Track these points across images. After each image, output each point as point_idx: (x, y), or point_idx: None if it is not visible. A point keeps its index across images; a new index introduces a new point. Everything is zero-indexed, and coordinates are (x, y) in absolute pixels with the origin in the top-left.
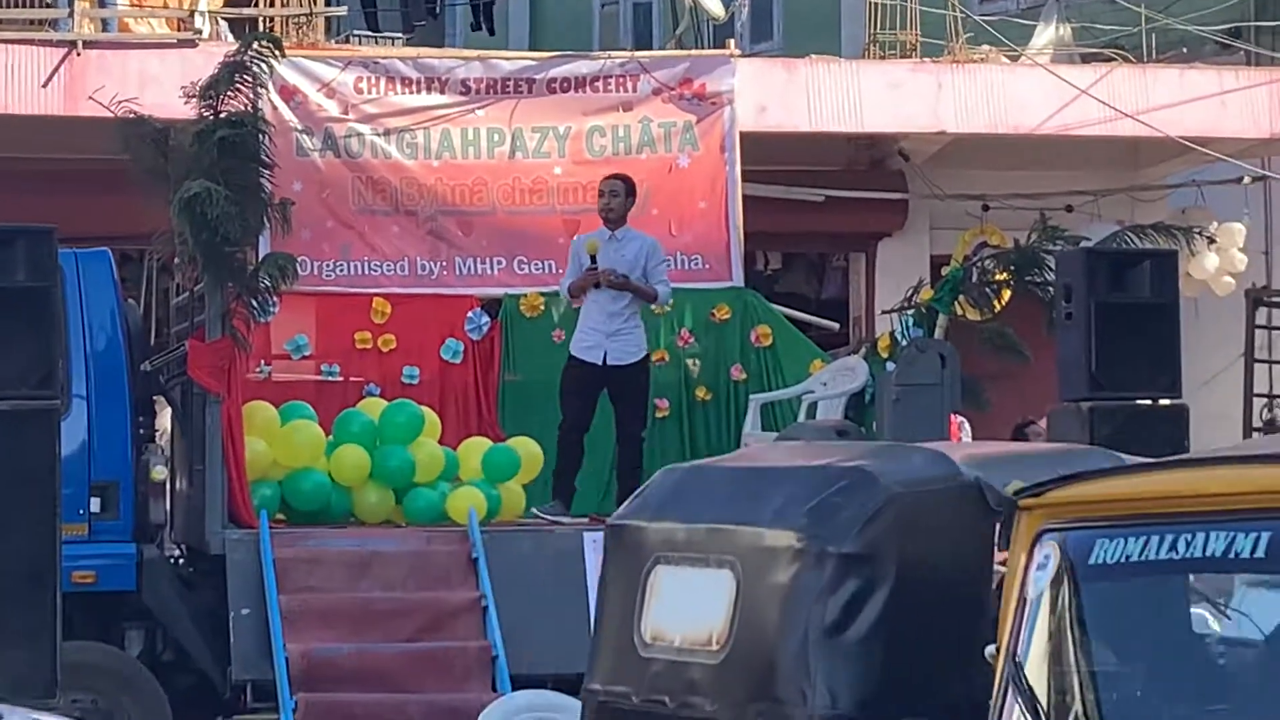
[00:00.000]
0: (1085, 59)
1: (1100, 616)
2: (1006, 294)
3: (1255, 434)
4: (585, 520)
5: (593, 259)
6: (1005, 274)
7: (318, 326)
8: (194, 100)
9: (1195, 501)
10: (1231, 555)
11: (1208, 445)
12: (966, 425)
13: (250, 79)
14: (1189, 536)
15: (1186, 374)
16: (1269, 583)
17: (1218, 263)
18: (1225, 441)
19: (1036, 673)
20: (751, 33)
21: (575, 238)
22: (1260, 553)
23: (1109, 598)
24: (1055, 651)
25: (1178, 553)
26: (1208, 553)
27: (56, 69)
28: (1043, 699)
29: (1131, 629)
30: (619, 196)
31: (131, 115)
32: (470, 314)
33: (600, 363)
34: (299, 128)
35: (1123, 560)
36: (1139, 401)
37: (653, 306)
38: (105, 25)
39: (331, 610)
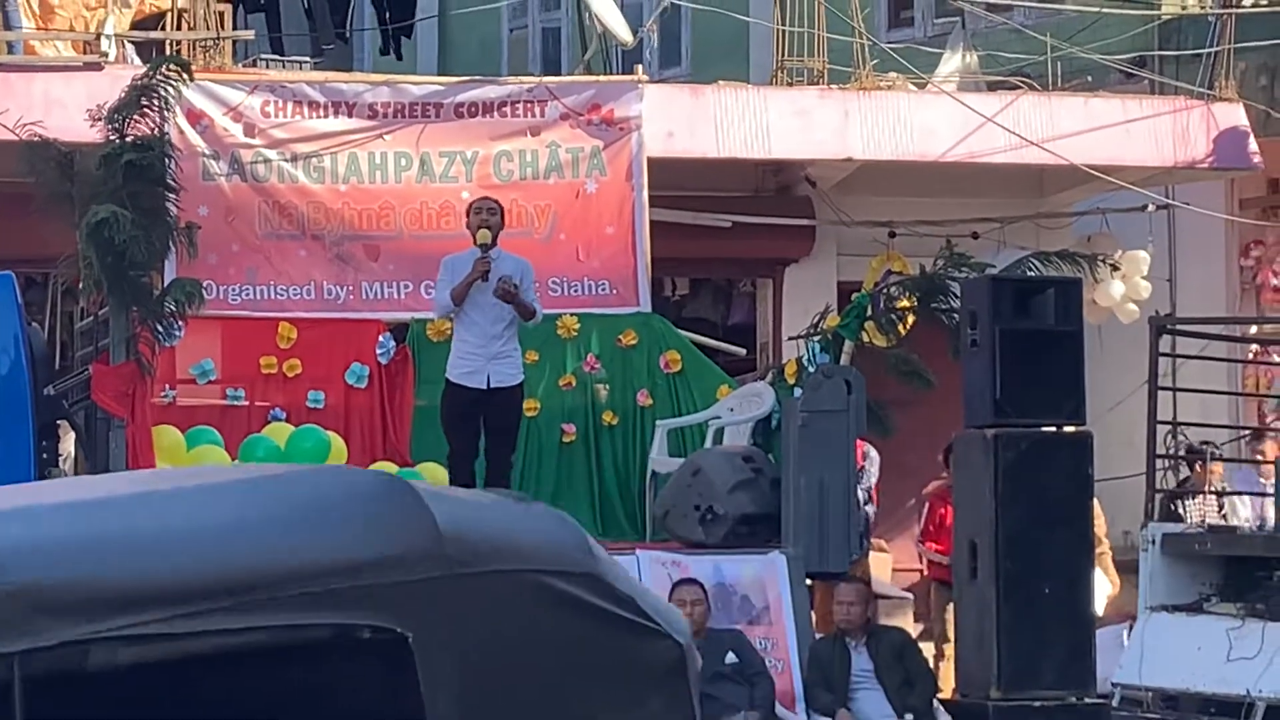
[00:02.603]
0: (991, 87)
1: None
2: (911, 320)
3: (1160, 461)
4: None
5: (483, 247)
6: (911, 300)
7: (223, 351)
8: (100, 124)
9: None
10: None
11: (1113, 472)
12: (873, 451)
13: (157, 103)
14: None
15: (1091, 401)
16: None
17: (1123, 290)
18: (1131, 468)
19: None
20: (660, 58)
21: (445, 257)
22: None
23: None
24: None
25: None
26: None
27: None
28: None
29: None
30: (496, 215)
31: (36, 138)
32: (380, 338)
33: (484, 386)
34: (206, 152)
35: None
36: (1043, 428)
37: (527, 324)
38: (10, 48)
39: None
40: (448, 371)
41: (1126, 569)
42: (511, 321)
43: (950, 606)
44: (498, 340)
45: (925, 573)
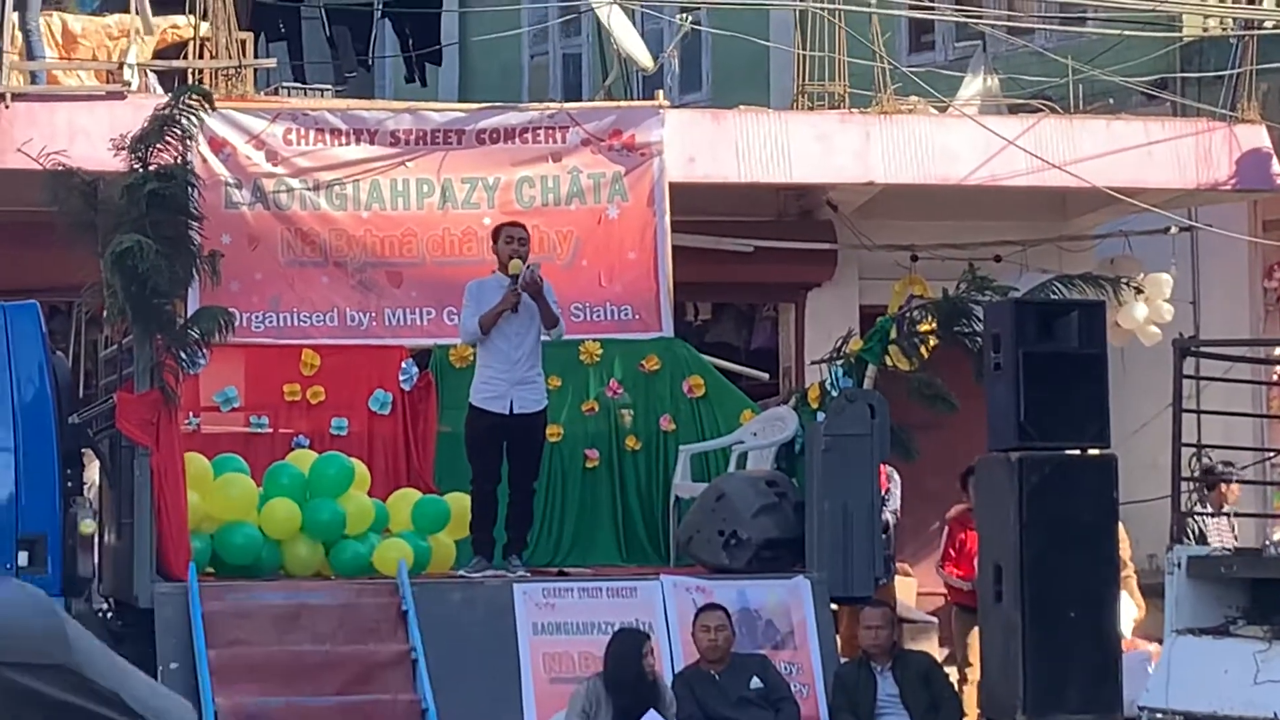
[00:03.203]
0: (1013, 110)
1: None
2: (933, 343)
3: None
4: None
5: (514, 278)
6: (932, 324)
7: (247, 378)
8: (123, 153)
9: None
10: None
11: (1137, 495)
12: (895, 475)
13: (180, 131)
14: None
15: (1115, 424)
16: None
17: (1145, 313)
18: (1155, 491)
19: None
20: (680, 84)
21: (470, 282)
22: None
23: None
24: None
25: None
26: None
27: None
28: None
29: None
30: (525, 244)
31: (60, 168)
32: (403, 364)
33: (507, 411)
34: (229, 180)
35: None
36: (1067, 451)
37: (552, 333)
38: (34, 78)
39: (261, 664)
40: (471, 396)
41: (1152, 592)
42: (535, 347)
43: (972, 631)
44: (521, 365)
45: (948, 597)
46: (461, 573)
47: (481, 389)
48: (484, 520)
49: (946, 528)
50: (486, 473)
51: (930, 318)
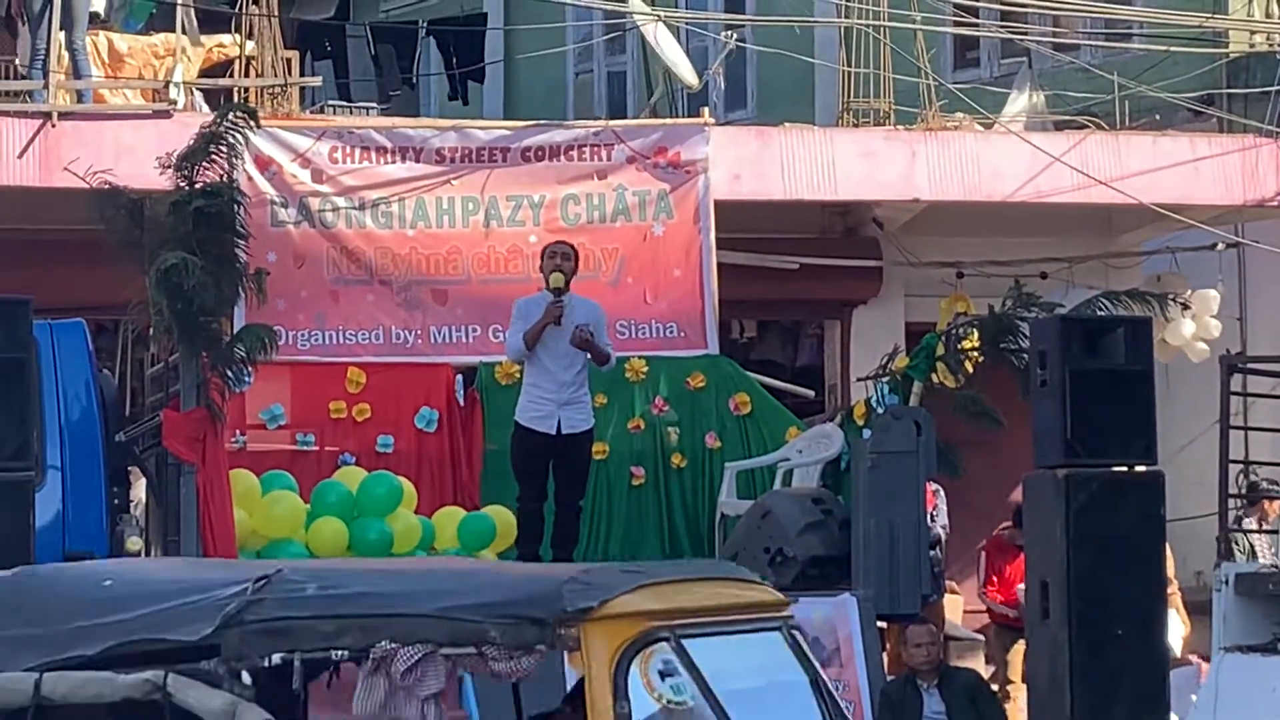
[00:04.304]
0: (1059, 126)
1: None
2: (977, 358)
3: (1232, 500)
4: None
5: (555, 292)
6: (973, 341)
7: (293, 396)
8: (169, 171)
9: None
10: None
11: (1184, 512)
12: (941, 492)
13: (226, 149)
14: None
15: (1162, 440)
16: None
17: (1193, 329)
18: (1202, 508)
19: None
20: (726, 101)
21: (518, 299)
22: None
23: None
24: None
25: None
26: None
27: (32, 140)
28: None
29: None
30: (570, 261)
31: (107, 186)
32: (458, 380)
33: (554, 431)
34: (274, 198)
35: None
36: (1114, 468)
37: (601, 369)
38: (80, 96)
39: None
40: (517, 415)
41: (1199, 609)
42: (583, 367)
43: (1012, 649)
44: (570, 386)
45: (991, 616)
46: None
47: (529, 408)
48: (530, 539)
49: (984, 555)
50: (533, 492)
51: (974, 334)
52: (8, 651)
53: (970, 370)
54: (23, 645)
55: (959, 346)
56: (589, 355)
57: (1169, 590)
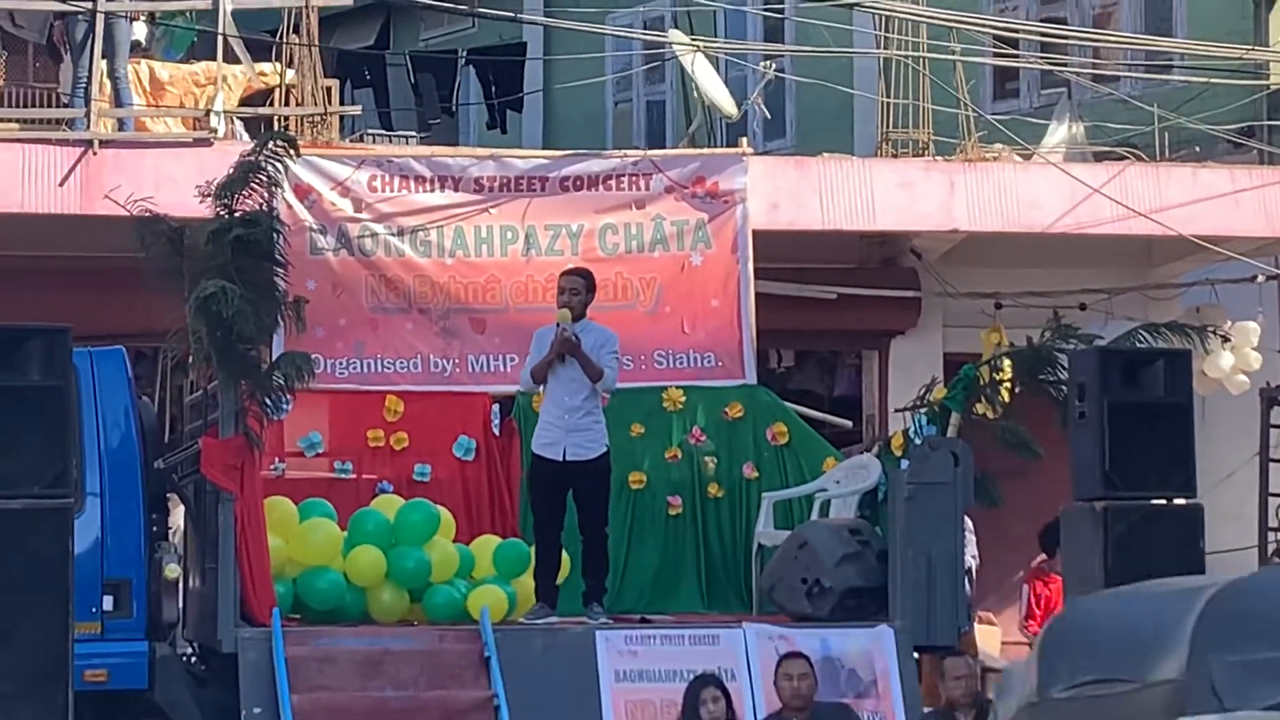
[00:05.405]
0: (1098, 158)
1: None
2: (1010, 387)
3: (1271, 534)
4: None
5: (563, 327)
6: (1005, 373)
7: (331, 424)
8: (209, 199)
9: None
10: None
11: (1223, 544)
12: (970, 523)
13: (265, 178)
14: None
15: (1201, 473)
16: None
17: (1232, 361)
18: (1241, 540)
19: None
20: (765, 130)
21: (537, 330)
22: None
23: None
24: None
25: None
26: None
27: (73, 168)
28: None
29: None
30: (579, 294)
31: (147, 214)
32: (494, 409)
33: (560, 458)
34: (313, 226)
35: None
36: (1153, 501)
37: (597, 386)
38: (122, 124)
39: (343, 709)
40: (532, 442)
41: None
42: (591, 394)
43: None
44: (576, 413)
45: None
46: (523, 619)
47: (539, 435)
48: (545, 566)
49: (1027, 585)
50: (546, 519)
51: (1007, 365)
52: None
53: (1007, 399)
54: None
55: (997, 377)
56: (586, 373)
57: None
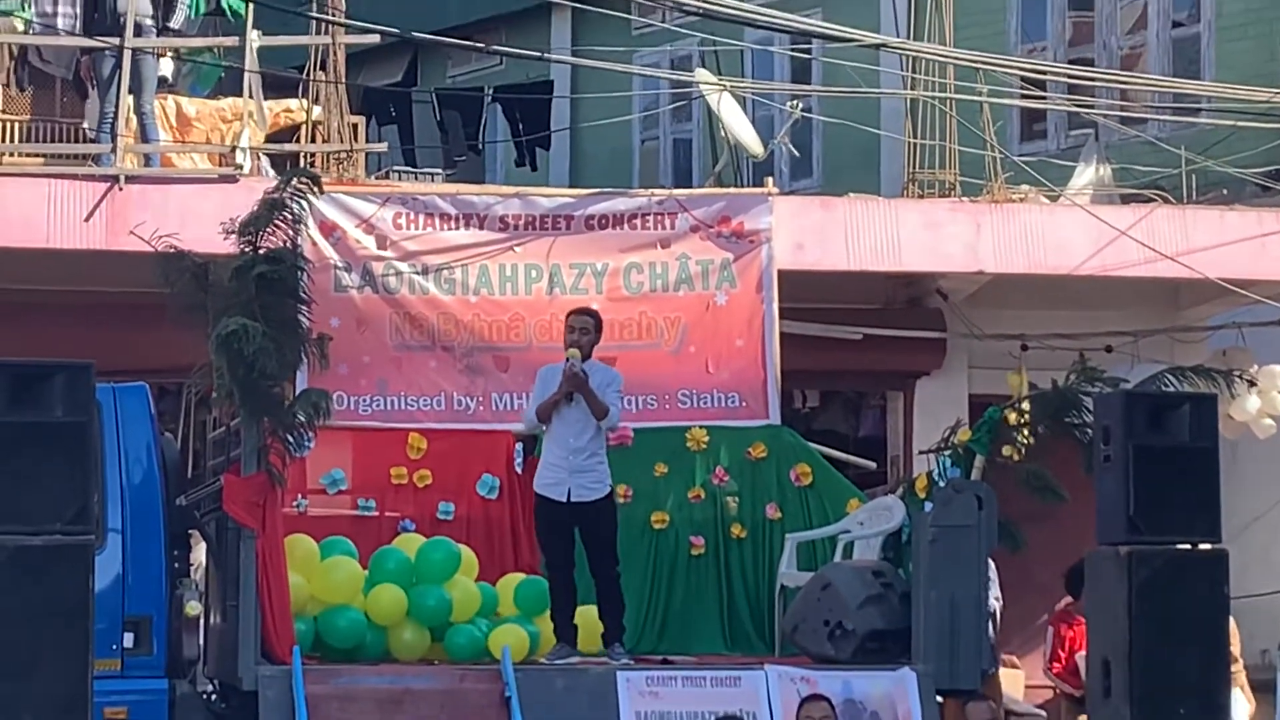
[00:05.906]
0: (1125, 200)
1: None
2: (1037, 430)
3: None
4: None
5: (569, 366)
6: (1022, 417)
7: (354, 461)
8: (233, 236)
9: None
10: None
11: (1249, 588)
12: (992, 566)
13: (290, 215)
14: None
15: (1226, 517)
16: None
17: (1259, 405)
18: (1267, 585)
19: None
20: (791, 170)
21: (542, 368)
22: None
23: None
24: None
25: None
26: None
27: (99, 203)
28: None
29: None
30: (589, 334)
31: (172, 250)
32: (517, 448)
33: (564, 499)
34: (338, 263)
35: None
36: (1178, 546)
37: (602, 424)
38: (148, 160)
39: None
40: (535, 482)
41: (1264, 688)
42: (596, 434)
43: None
44: (580, 454)
45: (1056, 691)
46: (544, 659)
47: (543, 474)
48: (560, 606)
49: (1052, 629)
50: (555, 559)
51: (1041, 409)
52: None
53: (1028, 442)
54: None
55: (1021, 420)
56: (591, 410)
57: (1233, 669)
